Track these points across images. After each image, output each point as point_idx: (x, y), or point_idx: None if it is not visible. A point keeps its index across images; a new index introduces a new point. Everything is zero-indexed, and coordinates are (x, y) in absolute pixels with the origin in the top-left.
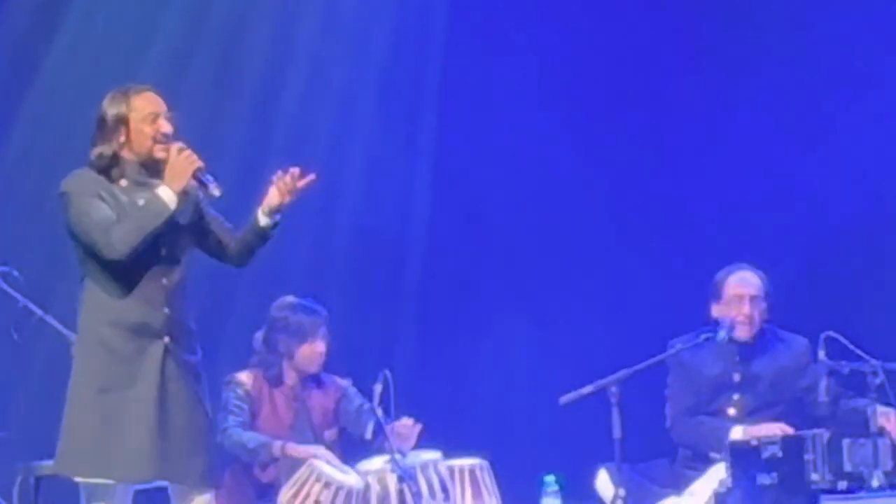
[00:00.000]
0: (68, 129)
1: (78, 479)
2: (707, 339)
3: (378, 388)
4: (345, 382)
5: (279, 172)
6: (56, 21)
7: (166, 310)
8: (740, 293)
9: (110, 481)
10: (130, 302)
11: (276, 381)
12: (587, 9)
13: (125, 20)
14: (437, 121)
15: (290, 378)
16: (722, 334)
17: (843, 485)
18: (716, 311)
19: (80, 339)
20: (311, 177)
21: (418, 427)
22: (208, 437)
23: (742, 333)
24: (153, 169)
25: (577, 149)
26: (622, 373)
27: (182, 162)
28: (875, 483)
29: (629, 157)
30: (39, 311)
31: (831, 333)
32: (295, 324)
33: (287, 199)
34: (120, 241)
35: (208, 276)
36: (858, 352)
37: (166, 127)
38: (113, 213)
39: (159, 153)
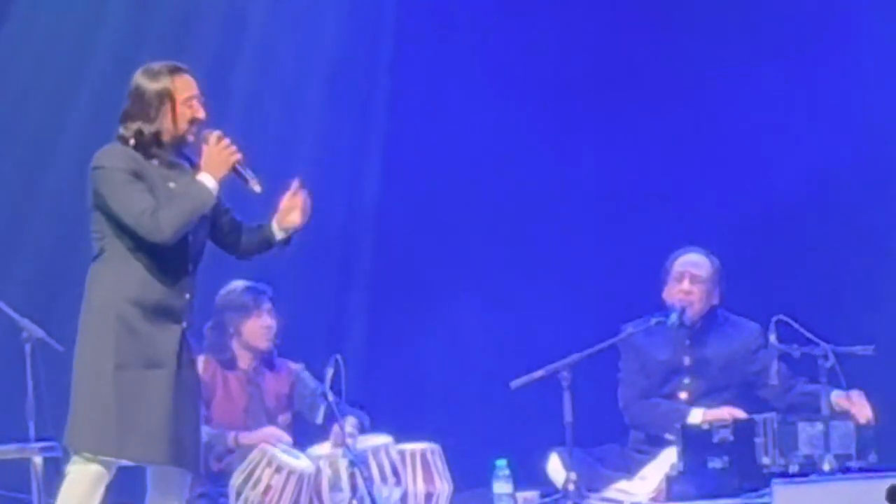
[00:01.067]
0: (17, 111)
1: (87, 456)
2: (658, 323)
3: (329, 372)
4: (297, 367)
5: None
6: (5, 5)
7: (187, 295)
8: (680, 271)
9: (123, 461)
10: (156, 283)
11: (230, 364)
12: None
13: (73, 12)
14: (388, 105)
15: (244, 361)
16: (673, 318)
17: (794, 468)
18: (665, 294)
19: (94, 313)
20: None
21: (355, 427)
22: (200, 424)
23: (687, 311)
24: (181, 150)
25: (526, 134)
26: (573, 357)
27: (222, 152)
28: (826, 466)
29: (578, 141)
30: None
31: (782, 317)
32: (238, 303)
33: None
34: (168, 226)
35: None
36: (809, 335)
37: (201, 112)
38: (151, 195)
39: (190, 136)
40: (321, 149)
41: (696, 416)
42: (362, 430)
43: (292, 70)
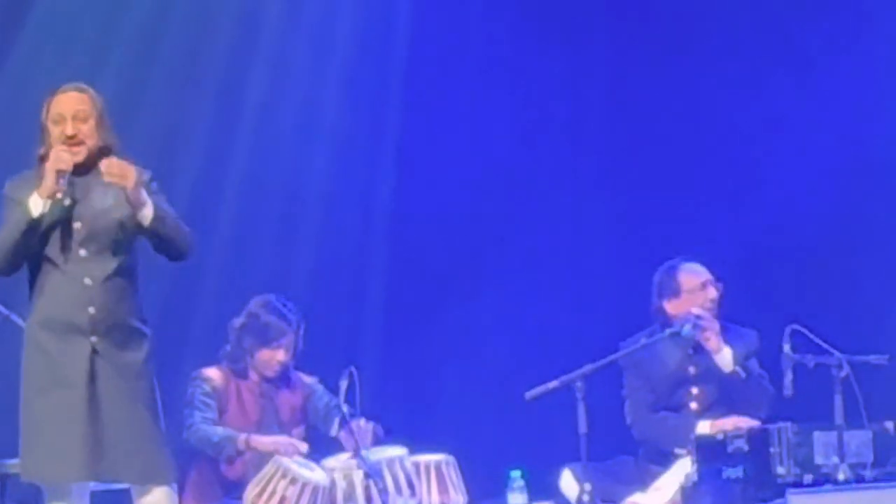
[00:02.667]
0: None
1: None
2: (673, 335)
3: (344, 384)
4: (311, 380)
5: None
6: (20, 15)
7: (91, 309)
8: (701, 281)
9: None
10: (54, 303)
11: (242, 374)
12: (550, 7)
13: (89, 17)
14: (402, 114)
15: (255, 375)
16: (687, 328)
17: (808, 478)
18: (672, 307)
19: (24, 343)
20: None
21: (370, 426)
22: (153, 434)
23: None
24: (80, 168)
25: (539, 146)
26: (587, 368)
27: (51, 162)
28: (841, 476)
29: (594, 151)
30: (4, 310)
31: (796, 326)
32: (262, 325)
33: (122, 182)
34: None
35: (172, 272)
36: (824, 345)
37: (69, 129)
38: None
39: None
40: (335, 157)
41: (704, 427)
42: (377, 440)
43: (306, 75)
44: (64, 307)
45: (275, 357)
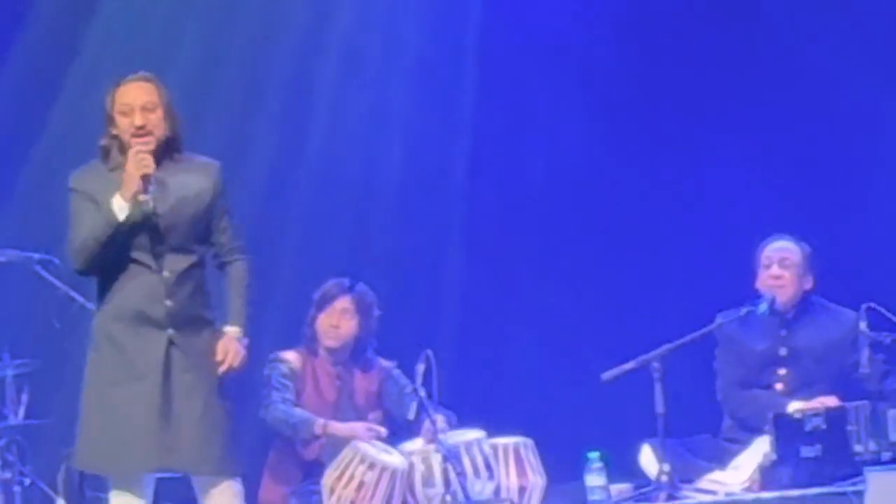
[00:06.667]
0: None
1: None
2: (748, 312)
3: (420, 368)
4: (389, 364)
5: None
6: (89, 10)
7: (168, 302)
8: (769, 255)
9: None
10: (130, 295)
11: (314, 351)
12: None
13: (157, 11)
14: (475, 103)
15: (322, 350)
16: (763, 306)
17: (887, 455)
18: (757, 283)
19: (92, 334)
20: None
21: (444, 423)
22: (224, 427)
23: (779, 298)
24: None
25: (613, 128)
26: (664, 348)
27: (133, 166)
28: None
29: (665, 133)
30: (80, 299)
31: (872, 305)
32: (320, 295)
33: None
34: (75, 254)
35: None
36: None
37: (139, 120)
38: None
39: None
40: (410, 142)
41: (796, 408)
42: (450, 427)
43: (379, 60)
44: (140, 300)
45: (330, 321)
